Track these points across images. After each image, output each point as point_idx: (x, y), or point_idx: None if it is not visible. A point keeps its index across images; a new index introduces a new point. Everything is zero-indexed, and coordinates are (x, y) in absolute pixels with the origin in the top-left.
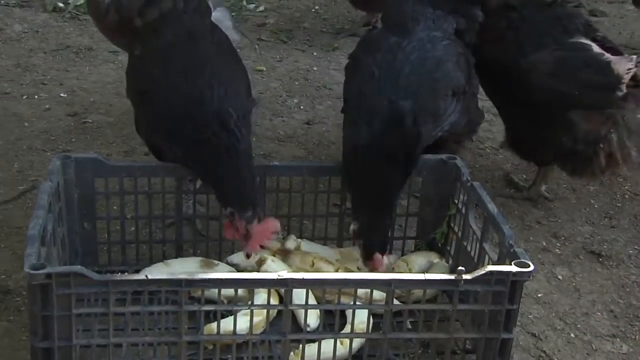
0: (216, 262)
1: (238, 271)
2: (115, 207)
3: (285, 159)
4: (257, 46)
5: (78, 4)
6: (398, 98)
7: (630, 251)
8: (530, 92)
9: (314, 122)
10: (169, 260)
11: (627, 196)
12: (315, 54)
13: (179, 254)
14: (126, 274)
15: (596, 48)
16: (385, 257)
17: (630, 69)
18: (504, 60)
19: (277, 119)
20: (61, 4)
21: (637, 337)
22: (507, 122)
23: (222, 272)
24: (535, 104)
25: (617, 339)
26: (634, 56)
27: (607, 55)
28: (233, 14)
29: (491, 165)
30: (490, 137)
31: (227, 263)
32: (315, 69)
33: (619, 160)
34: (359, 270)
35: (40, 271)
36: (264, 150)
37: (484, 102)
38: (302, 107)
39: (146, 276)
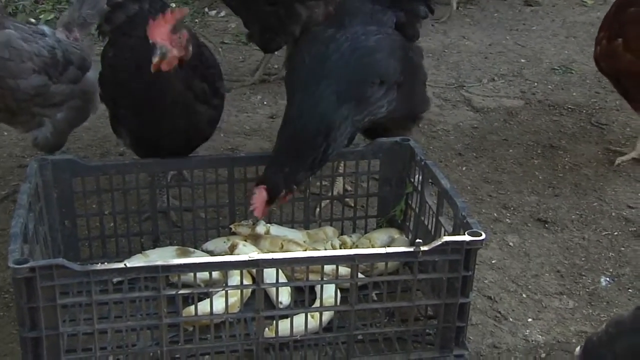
0: (192, 249)
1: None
2: (93, 205)
3: (251, 151)
4: (220, 49)
5: (49, 18)
6: (320, 81)
7: (573, 217)
8: None
9: (278, 116)
10: (147, 251)
11: (567, 167)
12: (276, 53)
13: (157, 244)
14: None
15: None
16: (265, 195)
17: None
18: None
19: (242, 115)
20: (33, 20)
21: (581, 292)
22: (253, 20)
23: (197, 258)
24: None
25: (564, 296)
26: None
27: None
28: (196, 20)
29: (444, 146)
30: (441, 120)
31: (202, 250)
32: (276, 66)
33: None
34: (326, 249)
35: (24, 265)
36: (231, 145)
37: (434, 88)
38: (265, 102)
39: (125, 264)
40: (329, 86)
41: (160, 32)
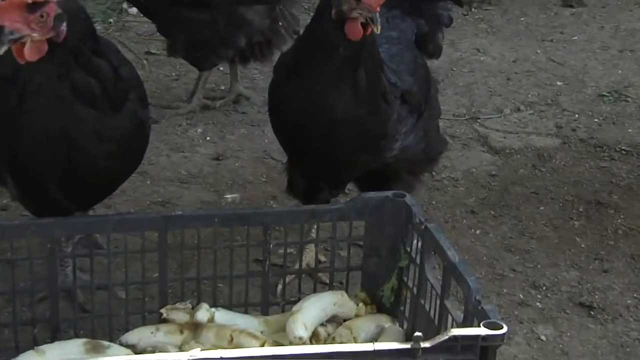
0: (106, 343)
1: (135, 353)
2: None
3: (190, 205)
4: (145, 62)
5: None
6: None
7: (629, 301)
8: None
9: (225, 157)
10: (42, 346)
11: (620, 232)
12: (221, 68)
13: (56, 337)
14: None
15: None
16: None
17: None
18: None
19: (176, 155)
20: None
21: None
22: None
23: (114, 357)
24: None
25: None
26: None
27: None
28: (110, 20)
29: (450, 201)
30: (447, 165)
31: (121, 344)
32: (223, 87)
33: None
34: (291, 343)
35: None
36: (161, 196)
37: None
38: (208, 137)
39: None
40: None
41: (9, 12)
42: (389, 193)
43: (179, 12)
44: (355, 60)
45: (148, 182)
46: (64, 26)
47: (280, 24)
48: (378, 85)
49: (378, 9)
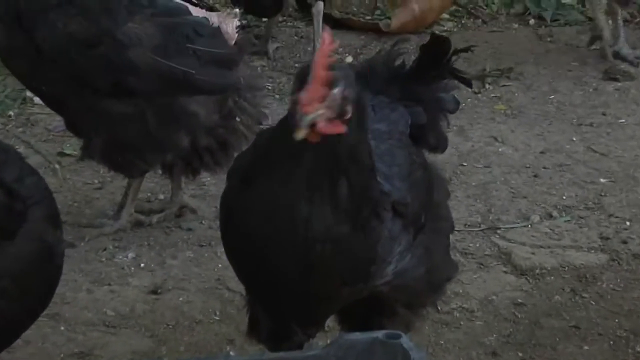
0: None
1: None
2: None
3: (119, 358)
4: (57, 166)
5: None
6: None
7: None
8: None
9: (165, 290)
10: None
11: None
12: (159, 171)
13: None
14: None
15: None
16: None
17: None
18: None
19: (100, 289)
20: None
21: None
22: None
23: None
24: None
25: None
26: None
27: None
28: (10, 112)
29: (464, 341)
30: (459, 291)
31: None
32: (161, 197)
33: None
34: None
35: None
36: (80, 346)
37: None
38: (142, 264)
39: None
40: None
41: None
42: (380, 333)
43: (94, 102)
44: (330, 166)
45: (62, 327)
46: None
47: (237, 119)
48: (365, 196)
49: (310, 107)
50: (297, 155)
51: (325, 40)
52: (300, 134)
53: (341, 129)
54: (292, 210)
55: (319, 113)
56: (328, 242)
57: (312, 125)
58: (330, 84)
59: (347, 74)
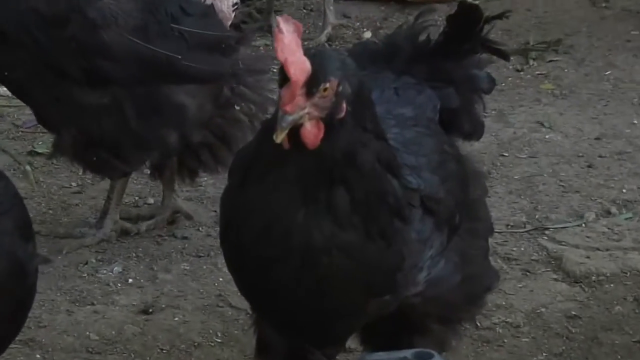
0: None
1: None
2: None
3: None
4: (28, 167)
5: None
6: None
7: None
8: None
9: (158, 308)
10: None
11: None
12: (147, 171)
13: None
14: None
15: None
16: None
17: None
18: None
19: (82, 310)
20: None
21: None
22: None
23: None
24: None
25: None
26: None
27: None
28: None
29: (507, 357)
30: (502, 303)
31: None
32: (151, 201)
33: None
34: None
35: None
36: None
37: None
38: (130, 280)
39: None
40: None
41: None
42: (409, 353)
43: (63, 91)
44: (321, 174)
45: (37, 355)
46: None
47: (237, 107)
48: (377, 204)
49: (291, 107)
50: (285, 161)
51: (283, 28)
52: (280, 137)
53: (321, 133)
54: (286, 219)
55: (302, 113)
56: (334, 252)
57: (297, 128)
58: (317, 78)
59: (341, 63)
